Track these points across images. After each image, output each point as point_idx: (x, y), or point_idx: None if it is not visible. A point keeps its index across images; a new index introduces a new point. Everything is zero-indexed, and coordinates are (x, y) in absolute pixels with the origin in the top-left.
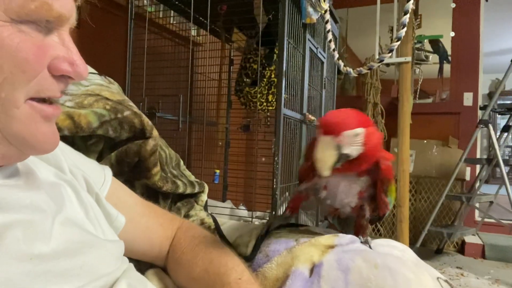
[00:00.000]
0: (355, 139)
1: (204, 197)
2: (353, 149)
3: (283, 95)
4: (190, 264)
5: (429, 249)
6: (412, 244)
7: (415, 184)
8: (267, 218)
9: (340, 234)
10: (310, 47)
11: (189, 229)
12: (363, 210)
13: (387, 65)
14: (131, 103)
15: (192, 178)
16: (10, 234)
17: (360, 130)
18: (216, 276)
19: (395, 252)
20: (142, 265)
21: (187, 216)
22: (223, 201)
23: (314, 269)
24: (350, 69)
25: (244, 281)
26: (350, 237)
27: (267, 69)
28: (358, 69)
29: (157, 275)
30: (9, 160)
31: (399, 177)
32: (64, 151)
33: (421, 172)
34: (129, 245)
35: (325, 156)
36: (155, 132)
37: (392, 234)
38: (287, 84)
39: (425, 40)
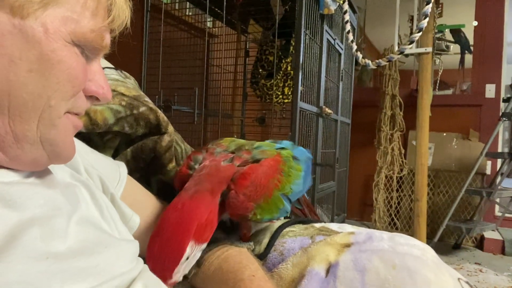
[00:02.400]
0: (189, 261)
1: None
2: (195, 258)
3: (300, 87)
4: (205, 263)
5: (447, 244)
6: (429, 239)
7: (434, 178)
8: None
9: (356, 231)
10: (327, 39)
11: None
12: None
13: (406, 55)
14: (147, 99)
15: None
16: (28, 232)
17: (188, 250)
18: (230, 273)
19: (414, 251)
20: None
21: None
22: None
23: (330, 269)
24: (368, 61)
25: (257, 278)
26: (366, 233)
27: (283, 61)
28: (377, 61)
29: None
30: (36, 167)
31: (417, 170)
32: (80, 152)
33: (440, 165)
34: (143, 245)
35: None
36: (171, 128)
37: (409, 228)
38: (304, 76)
39: (446, 30)
